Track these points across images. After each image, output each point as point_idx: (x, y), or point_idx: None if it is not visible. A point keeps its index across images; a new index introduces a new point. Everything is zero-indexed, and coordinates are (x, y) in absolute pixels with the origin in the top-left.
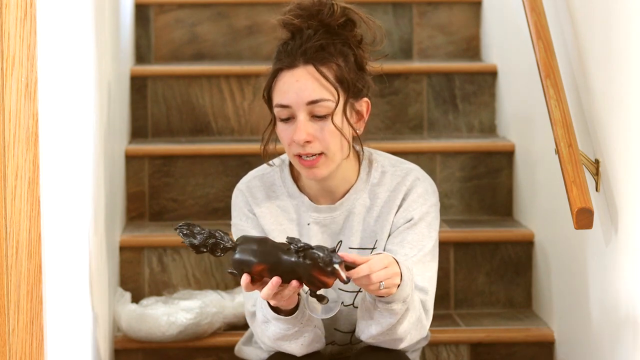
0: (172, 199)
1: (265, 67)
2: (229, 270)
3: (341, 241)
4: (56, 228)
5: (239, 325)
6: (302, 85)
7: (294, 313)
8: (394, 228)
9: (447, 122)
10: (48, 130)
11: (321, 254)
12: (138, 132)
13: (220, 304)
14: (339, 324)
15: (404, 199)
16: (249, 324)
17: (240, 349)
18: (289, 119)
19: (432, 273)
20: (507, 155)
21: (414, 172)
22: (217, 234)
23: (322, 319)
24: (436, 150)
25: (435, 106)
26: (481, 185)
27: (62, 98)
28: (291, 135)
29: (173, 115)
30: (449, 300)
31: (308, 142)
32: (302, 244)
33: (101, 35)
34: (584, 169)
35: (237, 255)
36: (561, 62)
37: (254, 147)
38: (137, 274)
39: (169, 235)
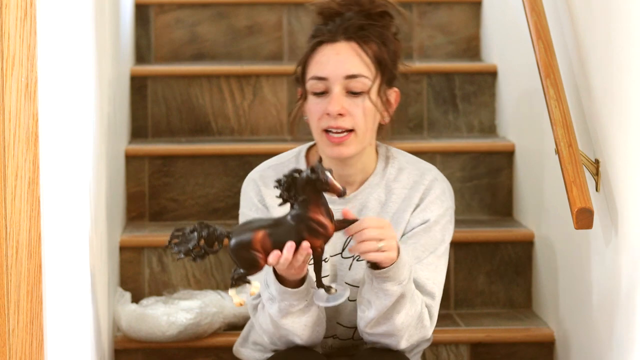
0: (172, 199)
1: (266, 67)
2: (240, 274)
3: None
4: (56, 228)
5: (239, 325)
6: (342, 57)
7: (300, 287)
8: (409, 227)
9: (447, 122)
10: (48, 130)
11: (312, 176)
12: (138, 132)
13: (220, 304)
14: (342, 317)
15: (422, 199)
16: (252, 317)
17: (238, 349)
18: (323, 93)
19: (441, 278)
20: (507, 155)
21: (432, 172)
22: (208, 225)
23: (326, 310)
24: (436, 150)
25: (435, 106)
26: (481, 185)
27: (62, 98)
28: (324, 108)
29: (173, 115)
30: (449, 300)
31: (341, 114)
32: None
33: (101, 35)
34: (584, 169)
35: (233, 240)
36: (561, 62)
37: (254, 147)
38: (137, 274)
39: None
